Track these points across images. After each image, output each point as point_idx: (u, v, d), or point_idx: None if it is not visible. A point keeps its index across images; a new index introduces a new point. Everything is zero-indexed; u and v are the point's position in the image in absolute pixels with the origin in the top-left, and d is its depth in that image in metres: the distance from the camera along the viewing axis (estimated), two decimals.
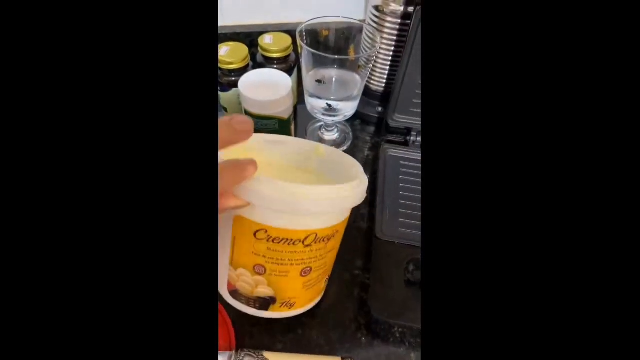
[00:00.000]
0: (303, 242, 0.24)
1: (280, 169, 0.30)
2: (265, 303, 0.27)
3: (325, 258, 0.27)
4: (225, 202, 0.21)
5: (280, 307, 0.27)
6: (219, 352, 0.27)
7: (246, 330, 0.30)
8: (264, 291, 0.27)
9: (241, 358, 0.27)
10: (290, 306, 0.28)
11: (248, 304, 0.27)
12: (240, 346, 0.29)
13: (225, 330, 0.29)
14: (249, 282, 0.27)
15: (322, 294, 0.31)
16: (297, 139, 0.30)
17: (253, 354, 0.27)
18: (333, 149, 0.30)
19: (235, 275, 0.27)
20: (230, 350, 0.28)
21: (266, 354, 0.28)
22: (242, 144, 0.28)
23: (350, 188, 0.23)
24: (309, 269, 0.26)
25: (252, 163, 0.22)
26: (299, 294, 0.27)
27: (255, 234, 0.23)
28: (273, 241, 0.23)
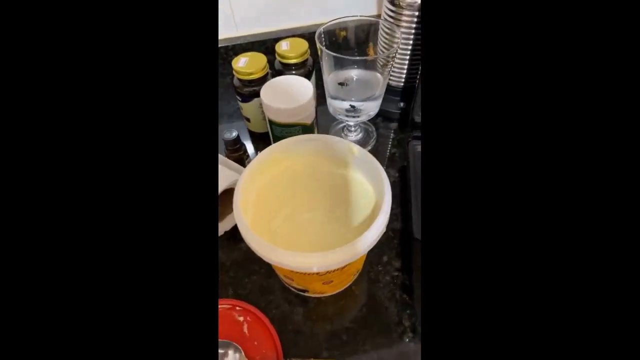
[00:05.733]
0: (317, 274, 0.26)
1: (319, 165, 0.32)
2: (301, 290, 0.32)
3: (344, 274, 0.29)
4: None
5: (313, 294, 0.32)
6: None
7: (290, 339, 0.31)
8: (297, 286, 0.31)
9: None
10: (322, 293, 0.32)
11: (290, 286, 0.33)
12: (286, 355, 0.29)
13: (271, 342, 0.29)
14: (285, 279, 0.32)
15: (353, 280, 0.33)
16: (328, 136, 0.31)
17: None
18: (364, 150, 0.29)
19: (277, 270, 0.31)
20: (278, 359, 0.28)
21: None
22: (273, 152, 0.29)
23: (355, 245, 0.24)
24: (329, 281, 0.29)
25: None
26: (326, 290, 0.31)
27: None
28: (291, 270, 0.26)
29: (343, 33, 0.39)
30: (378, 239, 0.25)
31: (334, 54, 0.34)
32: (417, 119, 0.42)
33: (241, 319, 0.31)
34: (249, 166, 0.29)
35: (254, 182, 0.29)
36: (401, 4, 0.40)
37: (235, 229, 0.38)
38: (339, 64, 0.36)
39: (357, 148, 0.30)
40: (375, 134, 0.47)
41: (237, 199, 0.27)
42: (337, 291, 0.32)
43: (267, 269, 0.35)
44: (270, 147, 0.30)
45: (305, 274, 0.26)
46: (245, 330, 0.30)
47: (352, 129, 0.46)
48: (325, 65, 0.37)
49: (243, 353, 0.29)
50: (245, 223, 0.25)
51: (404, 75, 0.46)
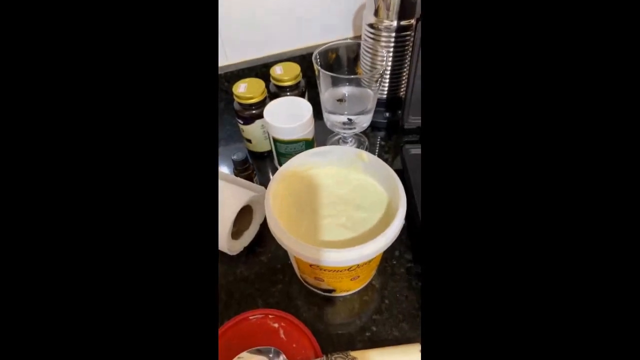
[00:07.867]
0: (348, 270, 0.30)
1: (334, 173, 0.35)
2: (328, 291, 0.34)
3: (369, 268, 0.33)
4: None
5: (339, 292, 0.35)
6: None
7: (325, 337, 0.33)
8: (326, 286, 0.34)
9: None
10: (348, 291, 0.35)
11: (316, 289, 0.35)
12: (324, 352, 0.31)
13: (308, 342, 0.31)
14: (313, 282, 0.34)
15: (372, 275, 0.37)
16: (338, 146, 0.34)
17: (342, 355, 0.29)
18: (374, 156, 0.33)
19: (303, 275, 0.34)
20: (317, 357, 0.30)
21: (353, 353, 0.30)
22: (292, 166, 0.32)
23: (382, 240, 0.27)
24: (357, 276, 0.32)
25: None
26: (351, 287, 0.35)
27: (310, 265, 0.29)
28: (324, 270, 0.29)
29: (333, 55, 0.43)
30: (401, 228, 0.28)
31: (331, 74, 0.38)
32: (407, 125, 0.46)
33: (276, 325, 0.32)
34: (274, 178, 0.31)
35: (278, 192, 0.32)
36: (380, 27, 0.45)
37: (253, 244, 0.40)
38: (335, 83, 0.40)
39: (366, 154, 0.33)
40: (367, 142, 0.51)
41: (270, 210, 0.29)
42: (361, 287, 0.35)
43: (290, 277, 0.37)
44: (290, 160, 0.33)
45: (337, 271, 0.29)
46: (282, 335, 0.32)
47: (347, 140, 0.50)
48: (323, 83, 0.41)
49: (285, 356, 0.30)
50: (285, 231, 0.27)
51: (386, 88, 0.51)
